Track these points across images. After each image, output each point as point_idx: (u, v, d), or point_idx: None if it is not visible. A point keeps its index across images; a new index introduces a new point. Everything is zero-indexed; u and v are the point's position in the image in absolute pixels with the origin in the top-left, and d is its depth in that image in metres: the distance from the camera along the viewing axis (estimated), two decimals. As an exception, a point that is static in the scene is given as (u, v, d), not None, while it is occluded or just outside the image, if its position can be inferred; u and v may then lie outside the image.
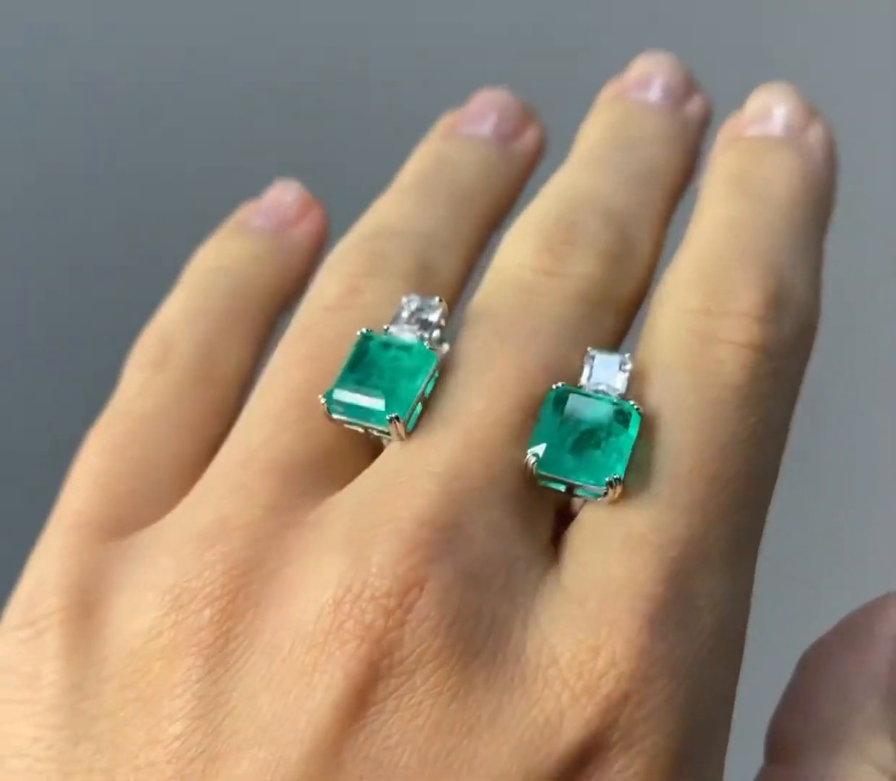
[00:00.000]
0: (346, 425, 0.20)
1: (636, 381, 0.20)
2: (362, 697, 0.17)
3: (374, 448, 0.20)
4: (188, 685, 0.17)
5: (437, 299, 0.21)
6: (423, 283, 0.22)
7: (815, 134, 0.24)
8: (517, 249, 0.22)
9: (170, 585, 0.18)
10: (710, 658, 0.18)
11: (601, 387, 0.20)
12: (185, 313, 0.23)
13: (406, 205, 0.24)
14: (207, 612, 0.18)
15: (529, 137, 0.26)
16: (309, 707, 0.17)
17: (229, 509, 0.19)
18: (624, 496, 0.18)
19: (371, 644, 0.17)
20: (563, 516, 0.19)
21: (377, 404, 0.19)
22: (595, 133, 0.25)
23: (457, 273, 0.23)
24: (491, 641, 0.17)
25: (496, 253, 0.23)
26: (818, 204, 0.23)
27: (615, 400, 0.19)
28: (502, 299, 0.21)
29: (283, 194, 0.26)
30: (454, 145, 0.25)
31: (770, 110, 0.24)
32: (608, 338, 0.21)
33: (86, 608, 0.19)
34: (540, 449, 0.19)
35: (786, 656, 0.22)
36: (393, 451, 0.19)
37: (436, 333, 0.20)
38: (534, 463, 0.19)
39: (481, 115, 0.26)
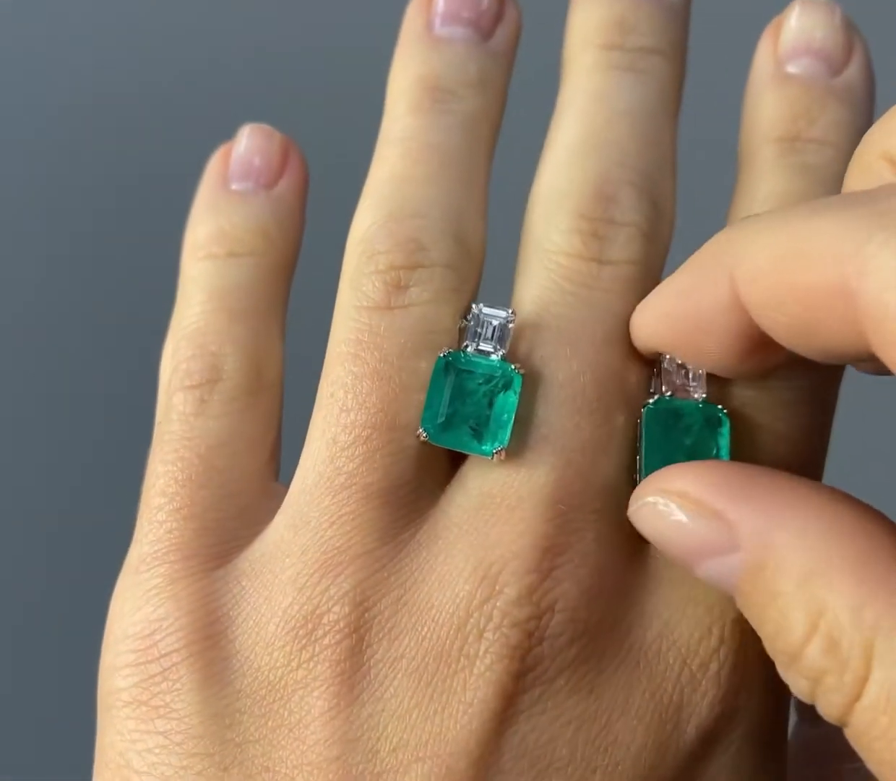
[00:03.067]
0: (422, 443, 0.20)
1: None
2: (514, 706, 0.19)
3: (449, 452, 0.21)
4: (337, 711, 0.19)
5: (509, 312, 0.21)
6: (463, 265, 0.22)
7: (856, 71, 0.24)
8: (556, 227, 0.22)
9: (300, 618, 0.19)
10: None
11: (674, 392, 0.21)
12: (216, 319, 0.23)
13: (420, 166, 0.23)
14: (346, 643, 0.19)
15: (510, 20, 0.25)
16: (466, 721, 0.19)
17: (341, 539, 0.20)
18: None
19: (518, 662, 0.19)
20: None
21: (478, 435, 0.20)
22: (583, 36, 0.24)
23: (483, 235, 0.23)
24: (615, 638, 0.19)
25: (528, 222, 0.23)
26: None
27: (702, 405, 0.21)
28: (560, 298, 0.21)
29: (265, 145, 0.25)
30: (438, 56, 0.24)
31: None
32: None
33: (211, 642, 0.20)
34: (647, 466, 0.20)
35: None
36: (488, 468, 0.20)
37: (508, 343, 0.21)
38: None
39: (457, 8, 0.24)
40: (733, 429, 0.21)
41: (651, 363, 0.21)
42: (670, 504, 0.18)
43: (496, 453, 0.20)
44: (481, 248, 0.22)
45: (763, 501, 0.18)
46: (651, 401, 0.21)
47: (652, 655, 0.20)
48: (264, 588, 0.20)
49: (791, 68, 0.24)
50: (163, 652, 0.20)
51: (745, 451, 0.21)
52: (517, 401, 0.20)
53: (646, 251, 0.22)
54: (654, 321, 0.20)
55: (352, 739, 0.19)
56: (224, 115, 0.31)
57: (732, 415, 0.21)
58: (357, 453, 0.20)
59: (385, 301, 0.21)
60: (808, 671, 0.17)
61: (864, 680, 0.16)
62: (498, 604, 0.19)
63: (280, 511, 0.21)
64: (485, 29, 0.24)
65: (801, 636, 0.17)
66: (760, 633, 0.18)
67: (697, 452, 0.20)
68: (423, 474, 0.20)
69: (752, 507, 0.17)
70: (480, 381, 0.21)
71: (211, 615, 0.20)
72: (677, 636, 0.20)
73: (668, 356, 0.21)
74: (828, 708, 0.17)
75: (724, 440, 0.20)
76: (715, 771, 0.20)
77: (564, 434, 0.20)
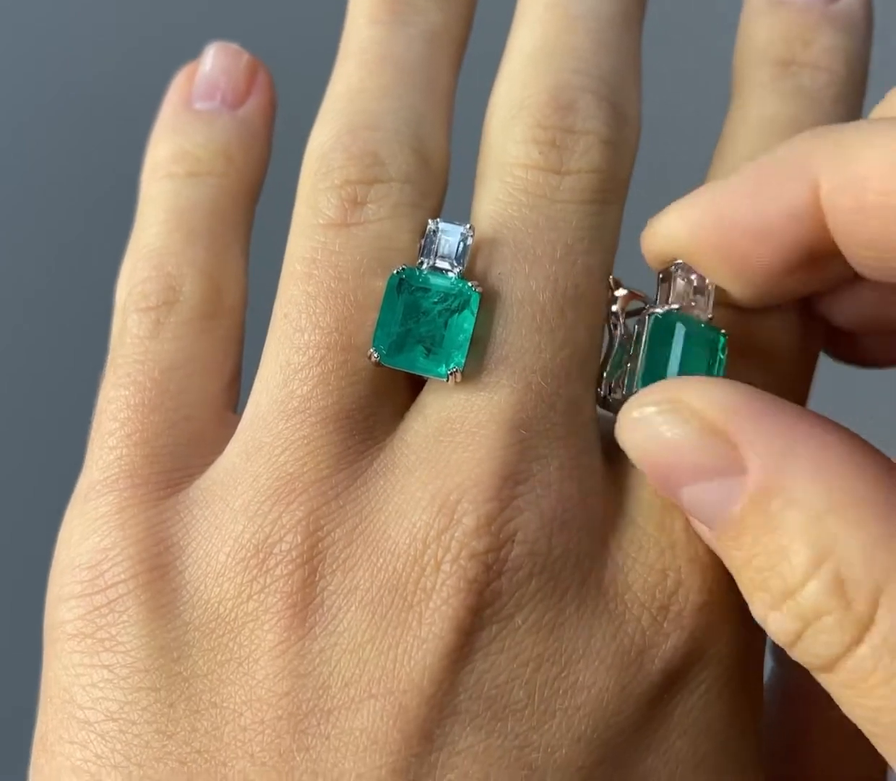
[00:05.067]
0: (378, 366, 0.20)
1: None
2: (470, 643, 0.18)
3: (408, 378, 0.20)
4: (288, 644, 0.18)
5: (468, 226, 0.20)
6: (423, 180, 0.21)
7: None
8: (513, 138, 0.21)
9: (251, 548, 0.19)
10: None
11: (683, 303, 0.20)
12: (174, 240, 0.22)
13: (378, 74, 0.22)
14: (298, 574, 0.18)
15: None
16: (420, 657, 0.18)
17: (294, 465, 0.19)
18: None
19: (475, 596, 0.18)
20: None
21: (433, 356, 0.19)
22: None
23: (445, 146, 0.22)
24: (577, 576, 0.19)
25: (485, 135, 0.22)
26: None
27: (705, 326, 0.20)
28: (517, 212, 0.20)
29: (232, 64, 0.24)
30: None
31: None
32: (616, 232, 0.21)
33: (160, 572, 0.19)
34: (633, 386, 0.20)
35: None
36: (446, 392, 0.19)
37: (465, 260, 0.20)
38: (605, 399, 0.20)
39: None
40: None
41: (613, 280, 0.21)
42: (669, 418, 0.17)
43: (451, 374, 0.19)
44: (443, 161, 0.22)
45: (780, 426, 0.17)
46: (659, 311, 0.20)
47: (610, 597, 0.19)
48: (215, 517, 0.19)
49: None
50: (109, 583, 0.19)
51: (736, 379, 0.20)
52: (474, 321, 0.19)
53: (608, 159, 0.21)
54: (684, 227, 0.20)
55: (302, 674, 0.18)
56: (194, 32, 0.30)
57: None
58: (311, 375, 0.19)
59: (341, 218, 0.20)
60: (802, 609, 0.16)
61: (867, 624, 0.15)
62: (455, 535, 0.18)
63: (233, 438, 0.20)
64: None
65: (803, 572, 0.16)
66: (741, 566, 0.17)
67: (689, 371, 0.20)
68: (380, 398, 0.20)
69: (768, 430, 0.17)
70: (435, 299, 0.20)
71: (159, 545, 0.19)
72: (632, 580, 0.19)
73: (679, 268, 0.20)
74: (816, 651, 0.16)
75: (720, 364, 0.20)
76: (682, 715, 0.19)
77: (524, 355, 0.19)
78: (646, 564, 0.19)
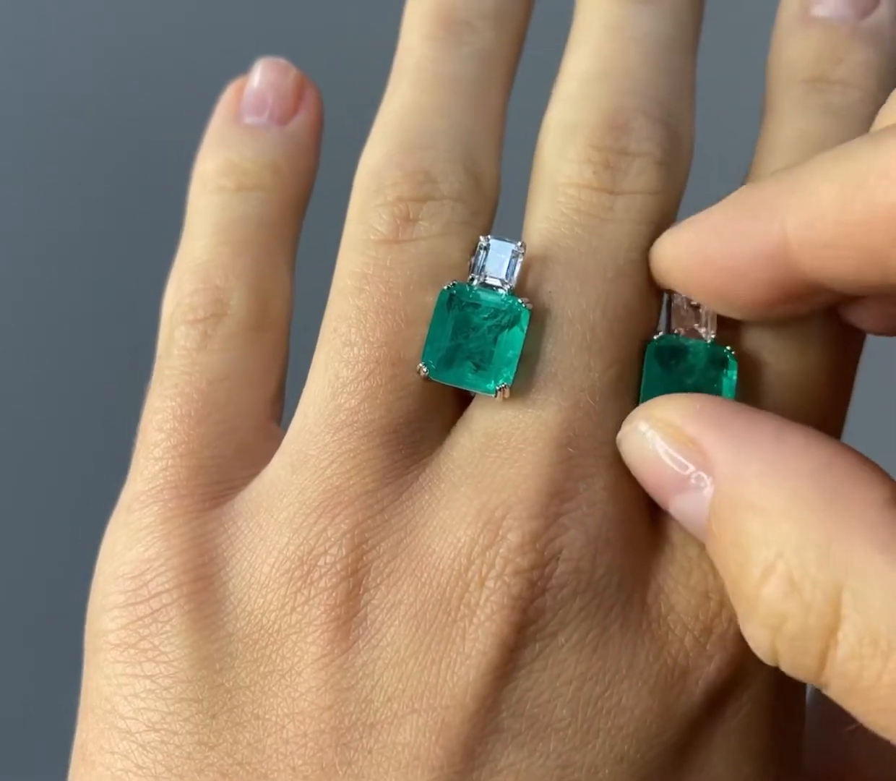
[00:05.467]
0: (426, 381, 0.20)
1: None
2: (513, 660, 0.18)
3: (456, 394, 0.20)
4: (331, 658, 0.18)
5: (519, 244, 0.20)
6: (475, 198, 0.21)
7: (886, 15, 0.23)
8: (567, 158, 0.21)
9: (296, 560, 0.19)
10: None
11: (681, 328, 0.20)
12: (222, 253, 0.22)
13: (434, 93, 0.22)
14: (342, 587, 0.18)
15: None
16: (463, 673, 0.18)
17: (340, 478, 0.19)
18: None
19: (520, 613, 0.18)
20: None
21: (481, 372, 0.19)
22: None
23: (496, 169, 0.22)
24: (620, 595, 0.18)
25: (538, 155, 0.22)
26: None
27: (709, 346, 0.20)
28: (569, 230, 0.20)
29: (280, 80, 0.24)
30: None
31: None
32: None
33: (204, 583, 0.19)
34: (654, 409, 0.19)
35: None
36: (494, 408, 0.19)
37: (516, 275, 0.20)
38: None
39: None
40: (742, 373, 0.20)
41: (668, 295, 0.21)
42: (652, 432, 0.18)
43: (500, 390, 0.19)
44: (494, 181, 0.22)
45: (739, 433, 0.17)
46: (655, 337, 0.20)
47: (653, 617, 0.19)
48: (260, 529, 0.19)
49: (817, 10, 0.23)
50: (152, 593, 0.19)
51: (752, 396, 0.20)
52: (524, 337, 0.19)
53: (661, 181, 0.21)
54: (678, 258, 0.20)
55: (345, 687, 0.18)
56: (239, 49, 0.30)
57: (742, 358, 0.20)
58: (359, 388, 0.19)
59: (393, 234, 0.20)
60: (764, 617, 0.16)
61: (833, 625, 0.15)
62: (500, 551, 0.18)
63: (279, 450, 0.20)
64: None
65: (758, 578, 0.16)
66: (725, 580, 0.17)
67: (699, 392, 0.19)
68: (428, 413, 0.20)
69: (727, 437, 0.17)
70: (486, 315, 0.20)
71: (204, 556, 0.19)
72: (675, 601, 0.19)
73: (680, 294, 0.20)
74: (798, 662, 0.16)
75: (730, 383, 0.20)
76: (723, 736, 0.19)
77: (573, 373, 0.19)
78: (688, 586, 0.19)
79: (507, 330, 0.20)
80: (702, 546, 0.19)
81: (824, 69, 0.22)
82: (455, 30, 0.23)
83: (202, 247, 0.22)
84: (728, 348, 0.20)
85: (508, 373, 0.19)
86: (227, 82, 0.25)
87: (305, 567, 0.19)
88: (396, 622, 0.18)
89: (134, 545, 0.20)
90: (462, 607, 0.18)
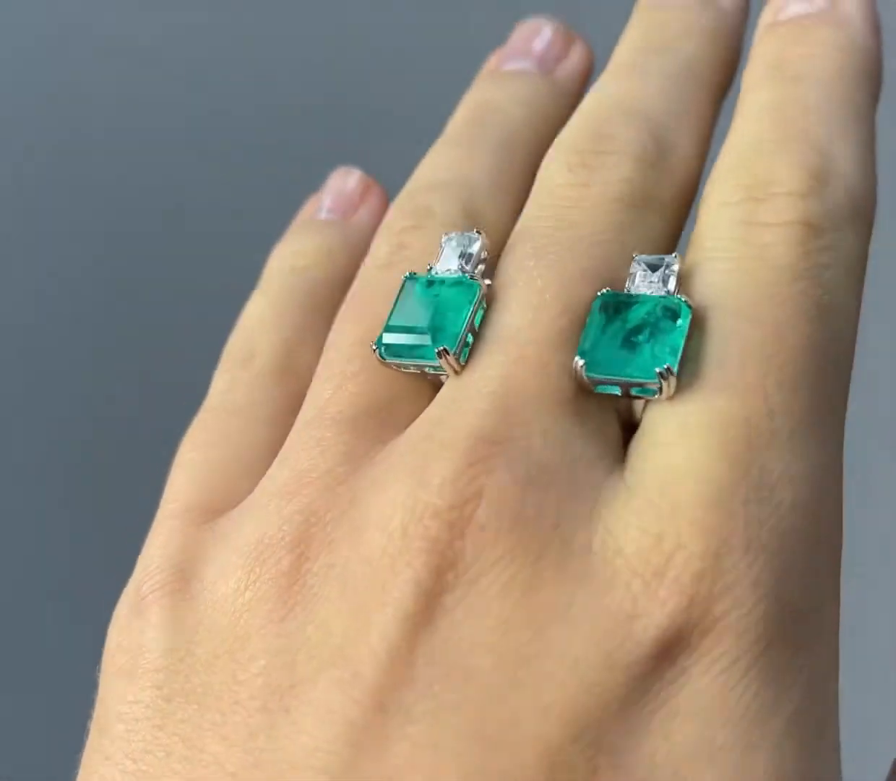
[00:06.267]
0: (403, 369, 0.20)
1: (685, 280, 0.20)
2: (432, 608, 0.17)
3: (436, 390, 0.20)
4: (270, 626, 0.18)
5: (475, 231, 0.21)
6: (468, 228, 0.22)
7: (851, 3, 0.23)
8: (552, 170, 0.22)
9: (252, 543, 0.19)
10: (792, 533, 0.17)
11: (648, 290, 0.19)
12: (265, 316, 0.24)
13: (450, 156, 0.24)
14: (287, 559, 0.18)
15: (574, 58, 0.26)
16: (380, 621, 0.17)
17: (305, 463, 0.20)
18: (679, 390, 0.18)
19: (437, 556, 0.17)
20: (631, 427, 0.19)
21: (424, 340, 0.20)
22: (628, 40, 0.24)
23: (505, 216, 0.23)
24: (556, 539, 0.17)
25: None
26: (863, 75, 0.22)
27: (661, 297, 0.19)
28: (538, 219, 0.21)
29: (343, 182, 0.27)
30: (497, 86, 0.25)
31: None
32: (658, 239, 0.21)
33: (184, 581, 0.20)
34: (587, 351, 0.19)
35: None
36: (449, 384, 0.20)
37: (480, 267, 0.21)
38: (582, 366, 0.18)
39: (521, 47, 0.26)
40: (701, 324, 0.19)
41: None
42: None
43: (439, 353, 0.19)
44: (498, 219, 0.23)
45: None
46: (603, 291, 0.19)
47: (598, 561, 0.17)
48: (238, 527, 0.20)
49: (783, 15, 0.23)
50: (142, 595, 0.20)
51: (709, 346, 0.19)
52: (471, 310, 0.20)
53: (642, 173, 0.21)
54: None
55: (276, 651, 0.18)
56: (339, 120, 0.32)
57: (702, 311, 0.19)
58: (330, 385, 0.21)
59: (387, 260, 0.22)
60: None
61: None
62: (421, 496, 0.17)
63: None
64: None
65: None
66: None
67: (638, 341, 0.19)
68: (398, 404, 0.20)
69: None
70: (435, 295, 0.20)
71: (188, 559, 0.20)
72: (624, 543, 0.17)
73: (638, 259, 0.20)
74: None
75: (678, 332, 0.18)
76: (691, 695, 0.16)
77: (519, 331, 0.19)
78: (640, 527, 0.17)
79: (456, 306, 0.20)
80: (661, 488, 0.17)
81: (786, 50, 0.23)
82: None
83: (251, 315, 0.25)
84: (683, 297, 0.19)
85: (452, 340, 0.19)
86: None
87: (261, 546, 0.19)
88: (328, 584, 0.18)
89: (141, 557, 0.21)
90: (384, 557, 0.17)
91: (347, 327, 0.21)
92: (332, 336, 0.22)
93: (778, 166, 0.20)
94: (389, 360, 0.20)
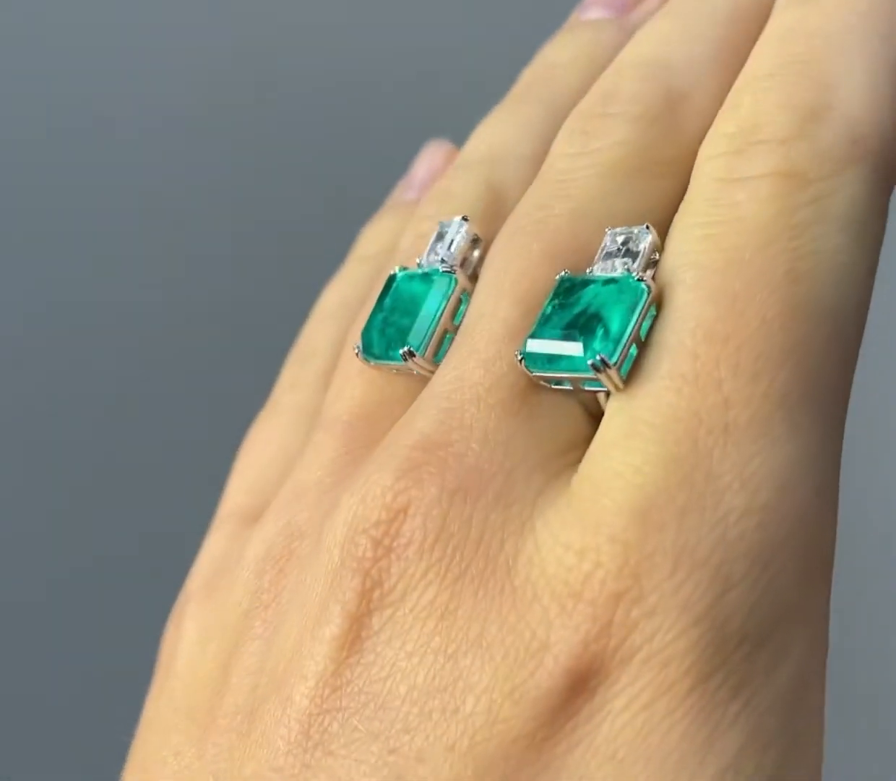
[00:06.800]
0: (391, 371, 0.19)
1: (663, 252, 0.17)
2: (357, 629, 0.16)
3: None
4: (249, 644, 0.18)
5: (457, 217, 0.19)
6: (487, 209, 0.20)
7: None
8: (557, 140, 0.20)
9: (254, 557, 0.19)
10: (744, 544, 0.15)
11: (614, 268, 0.17)
12: (331, 308, 0.24)
13: (496, 126, 0.22)
14: (268, 576, 0.18)
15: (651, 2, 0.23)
16: (310, 646, 0.16)
17: (302, 471, 0.19)
18: (632, 382, 0.16)
19: (362, 576, 0.16)
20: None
21: (397, 342, 0.19)
22: None
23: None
24: (480, 554, 0.16)
25: None
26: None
27: (616, 277, 0.17)
28: (528, 197, 0.19)
29: (432, 159, 0.26)
30: (566, 41, 0.23)
31: None
32: (656, 204, 0.18)
33: (211, 591, 0.20)
34: (526, 344, 0.17)
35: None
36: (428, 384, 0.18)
37: (473, 255, 0.19)
38: (521, 361, 0.17)
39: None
40: (663, 309, 0.16)
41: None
42: None
43: (403, 354, 0.18)
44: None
45: None
46: (561, 274, 0.17)
47: (520, 581, 0.15)
48: (249, 536, 0.20)
49: None
50: (181, 605, 0.21)
51: (664, 328, 0.16)
52: (440, 304, 0.18)
53: (639, 133, 0.19)
54: None
55: (249, 671, 0.18)
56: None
57: (668, 287, 0.17)
58: (328, 387, 0.20)
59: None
60: None
61: None
62: (358, 511, 0.17)
63: None
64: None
65: None
66: None
67: (576, 329, 0.17)
68: (393, 405, 0.19)
69: None
70: (416, 291, 0.19)
71: (221, 566, 0.20)
72: (547, 561, 0.15)
73: (610, 232, 0.18)
74: None
75: (623, 316, 0.16)
76: (609, 734, 0.15)
77: (478, 322, 0.18)
78: (565, 543, 0.15)
79: (428, 301, 0.19)
80: (592, 496, 0.16)
81: None
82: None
83: (324, 297, 0.24)
84: (639, 274, 0.17)
85: (417, 339, 0.18)
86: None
87: (254, 565, 0.19)
88: (292, 603, 0.18)
89: (202, 555, 0.22)
90: (328, 575, 0.17)
91: (326, 321, 0.21)
92: (348, 335, 0.21)
93: (765, 107, 0.17)
94: (372, 362, 0.19)
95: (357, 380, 0.20)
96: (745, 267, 0.16)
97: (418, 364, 0.18)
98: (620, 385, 0.16)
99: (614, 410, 0.16)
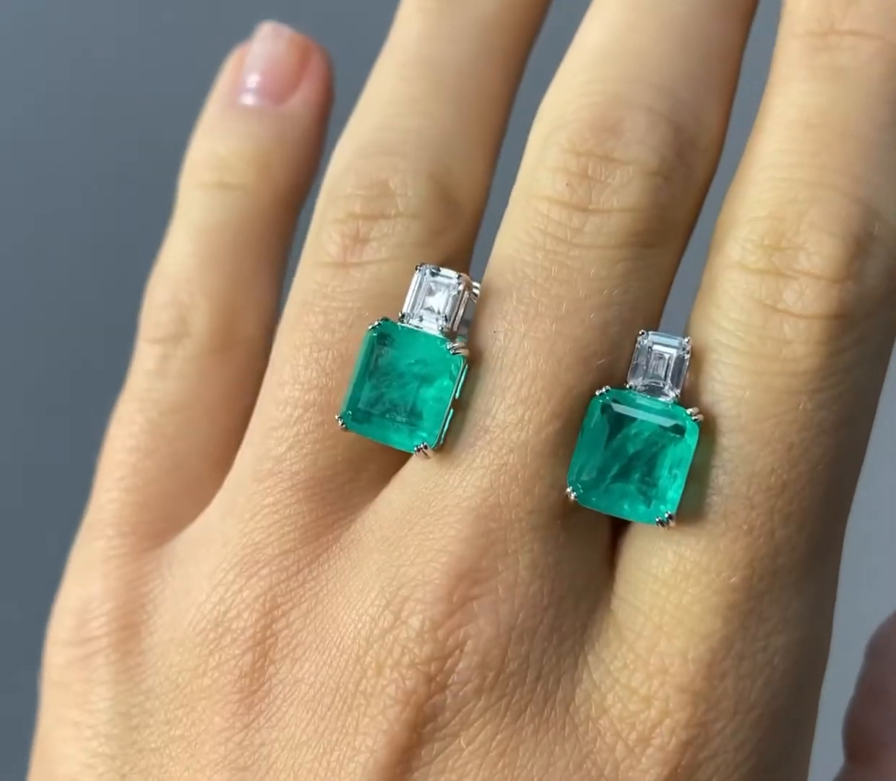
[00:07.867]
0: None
1: (694, 364, 0.17)
2: (406, 761, 0.16)
3: None
4: (232, 732, 0.17)
5: (456, 277, 0.17)
6: (439, 214, 0.18)
7: None
8: (545, 164, 0.18)
9: (212, 620, 0.18)
10: (783, 682, 0.17)
11: (654, 383, 0.17)
12: (191, 266, 0.20)
13: (409, 85, 0.19)
14: (249, 657, 0.17)
15: None
16: (351, 770, 0.16)
17: (261, 533, 0.18)
18: (681, 515, 0.16)
19: (413, 710, 0.16)
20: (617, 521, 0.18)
21: (404, 426, 0.17)
22: None
23: (477, 177, 0.19)
24: (539, 693, 0.16)
25: (525, 154, 0.18)
26: None
27: (670, 407, 0.17)
28: (531, 257, 0.17)
29: (272, 47, 0.21)
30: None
31: None
32: (663, 272, 0.18)
33: (132, 631, 0.19)
34: (581, 479, 0.17)
35: (855, 639, 0.21)
36: (425, 465, 0.17)
37: (460, 318, 0.18)
38: (575, 497, 0.17)
39: None
40: (709, 437, 0.17)
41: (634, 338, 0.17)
42: None
43: (420, 449, 0.17)
44: (473, 190, 0.19)
45: None
46: (602, 391, 0.17)
47: (580, 720, 0.16)
48: (186, 579, 0.18)
49: None
50: (86, 637, 0.19)
51: (716, 467, 0.17)
52: (455, 387, 0.17)
53: (652, 194, 0.17)
54: None
55: (241, 767, 0.17)
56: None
57: (711, 419, 0.17)
58: (286, 435, 0.18)
59: (340, 257, 0.18)
60: None
61: None
62: (399, 636, 0.16)
63: (221, 489, 0.19)
64: None
65: None
66: None
67: (638, 466, 0.17)
68: (359, 464, 0.18)
69: None
70: (412, 361, 0.17)
71: (136, 602, 0.19)
72: (610, 703, 0.16)
73: (646, 337, 0.17)
74: None
75: (683, 457, 0.16)
76: None
77: (504, 430, 0.17)
78: (628, 687, 0.16)
79: (435, 380, 0.17)
80: (652, 644, 0.16)
81: (832, 18, 0.18)
82: None
83: (175, 256, 0.21)
84: (692, 410, 0.16)
85: (433, 428, 0.17)
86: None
87: (220, 630, 0.18)
88: (296, 703, 0.17)
89: (79, 580, 0.19)
90: (358, 695, 0.16)
91: (299, 359, 0.18)
92: (279, 363, 0.18)
93: (807, 226, 0.17)
94: (353, 431, 0.17)
95: (318, 433, 0.18)
96: (797, 416, 0.16)
97: (426, 454, 0.17)
98: (672, 524, 0.16)
99: (656, 545, 0.17)
